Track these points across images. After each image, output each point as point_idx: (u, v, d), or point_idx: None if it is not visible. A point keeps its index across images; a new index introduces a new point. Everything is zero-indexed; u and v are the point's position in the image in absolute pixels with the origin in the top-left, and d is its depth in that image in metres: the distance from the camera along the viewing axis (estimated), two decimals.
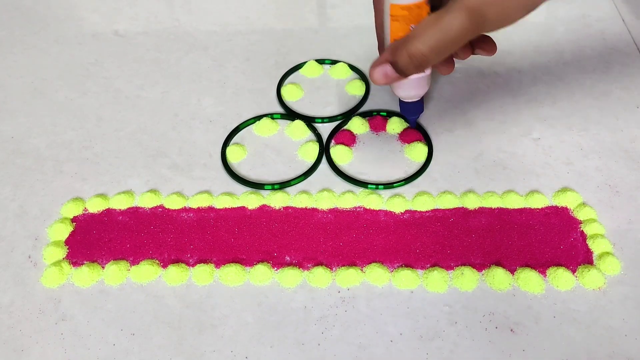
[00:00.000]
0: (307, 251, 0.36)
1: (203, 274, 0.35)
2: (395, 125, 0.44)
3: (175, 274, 0.35)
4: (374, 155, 0.42)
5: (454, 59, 0.37)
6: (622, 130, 0.43)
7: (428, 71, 0.36)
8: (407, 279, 0.35)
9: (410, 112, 0.40)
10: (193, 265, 0.36)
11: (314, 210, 0.39)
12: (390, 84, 0.36)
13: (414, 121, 0.41)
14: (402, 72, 0.33)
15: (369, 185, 0.40)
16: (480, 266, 0.35)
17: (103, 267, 0.36)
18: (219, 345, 0.33)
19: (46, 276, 0.35)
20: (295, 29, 0.54)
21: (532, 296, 0.34)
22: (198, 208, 0.39)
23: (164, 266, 0.36)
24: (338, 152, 0.42)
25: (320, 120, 0.45)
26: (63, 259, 0.37)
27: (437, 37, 0.31)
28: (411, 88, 0.37)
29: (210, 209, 0.39)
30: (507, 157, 0.42)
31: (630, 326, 0.32)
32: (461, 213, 0.38)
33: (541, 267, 0.35)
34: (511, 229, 0.37)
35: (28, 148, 0.44)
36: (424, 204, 0.38)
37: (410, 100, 0.38)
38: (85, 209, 0.39)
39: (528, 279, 0.34)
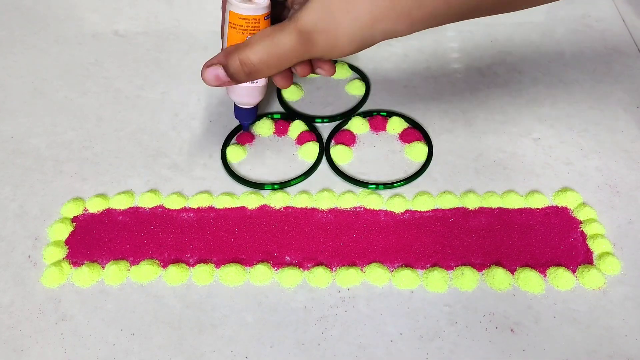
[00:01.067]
0: (307, 251, 0.36)
1: (203, 274, 0.35)
2: (395, 125, 0.44)
3: (175, 274, 0.35)
4: (374, 155, 0.42)
5: (294, 74, 0.37)
6: (622, 130, 0.43)
7: (262, 82, 0.37)
8: (407, 279, 0.35)
9: (243, 117, 0.41)
10: (193, 265, 0.36)
11: (314, 210, 0.39)
12: (225, 88, 0.37)
13: (246, 126, 0.43)
14: (233, 78, 0.34)
15: (369, 185, 0.40)
16: (480, 266, 0.35)
17: (103, 267, 0.36)
18: (219, 345, 0.33)
19: (46, 276, 0.35)
20: None
21: (532, 296, 0.34)
22: (198, 208, 0.39)
23: (164, 266, 0.36)
24: (338, 152, 0.42)
25: (320, 120, 0.45)
26: (63, 259, 0.36)
27: (267, 51, 0.32)
28: (244, 95, 0.38)
29: (210, 209, 0.39)
30: (507, 157, 0.42)
31: (630, 326, 0.32)
32: (461, 213, 0.38)
33: (541, 267, 0.35)
34: (511, 229, 0.37)
35: (28, 148, 0.44)
36: (424, 204, 0.38)
37: (244, 107, 0.40)
38: (85, 209, 0.39)
39: (528, 279, 0.34)
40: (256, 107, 0.40)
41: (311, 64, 0.37)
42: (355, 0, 0.29)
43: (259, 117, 0.45)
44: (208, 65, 0.34)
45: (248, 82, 0.36)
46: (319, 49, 0.31)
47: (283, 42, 0.31)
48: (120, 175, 0.42)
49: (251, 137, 0.43)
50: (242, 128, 0.43)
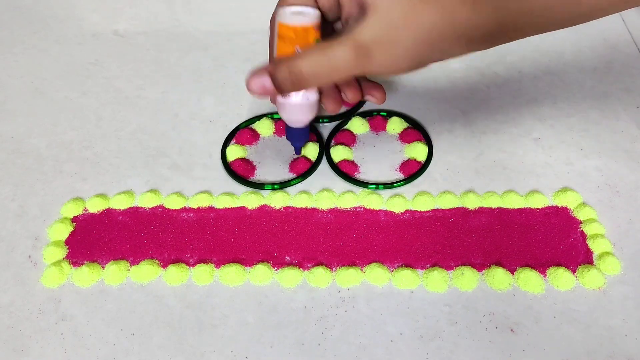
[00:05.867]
0: (307, 251, 0.36)
1: (203, 274, 0.35)
2: (395, 125, 0.44)
3: (175, 274, 0.35)
4: (374, 155, 0.42)
5: (344, 100, 0.37)
6: (623, 130, 0.43)
7: (313, 98, 0.35)
8: (407, 279, 0.35)
9: (294, 138, 0.39)
10: (193, 265, 0.36)
11: (314, 210, 0.39)
12: (272, 101, 0.36)
13: (298, 148, 0.40)
14: (280, 87, 0.32)
15: (369, 185, 0.40)
16: (480, 266, 0.35)
17: (103, 267, 0.36)
18: (219, 345, 0.33)
19: (46, 276, 0.35)
20: None
21: (532, 296, 0.34)
22: (198, 208, 0.39)
23: (164, 266, 0.36)
24: (338, 152, 0.42)
25: (320, 120, 0.45)
26: (63, 259, 0.37)
27: (319, 61, 0.31)
28: (294, 112, 0.36)
29: (210, 209, 0.39)
30: (507, 157, 0.42)
31: (630, 326, 0.32)
32: (461, 213, 0.38)
33: (541, 267, 0.35)
34: (511, 229, 0.37)
35: (28, 148, 0.44)
36: (424, 204, 0.38)
37: (294, 126, 0.37)
38: (85, 209, 0.39)
39: (528, 279, 0.34)
40: (308, 128, 0.38)
41: (361, 89, 0.36)
42: (417, 17, 0.29)
43: (258, 117, 0.45)
44: (254, 74, 0.33)
45: (299, 99, 0.35)
46: (375, 64, 0.30)
47: (336, 54, 0.30)
48: (120, 175, 0.42)
49: (252, 138, 0.43)
50: (294, 151, 0.41)
